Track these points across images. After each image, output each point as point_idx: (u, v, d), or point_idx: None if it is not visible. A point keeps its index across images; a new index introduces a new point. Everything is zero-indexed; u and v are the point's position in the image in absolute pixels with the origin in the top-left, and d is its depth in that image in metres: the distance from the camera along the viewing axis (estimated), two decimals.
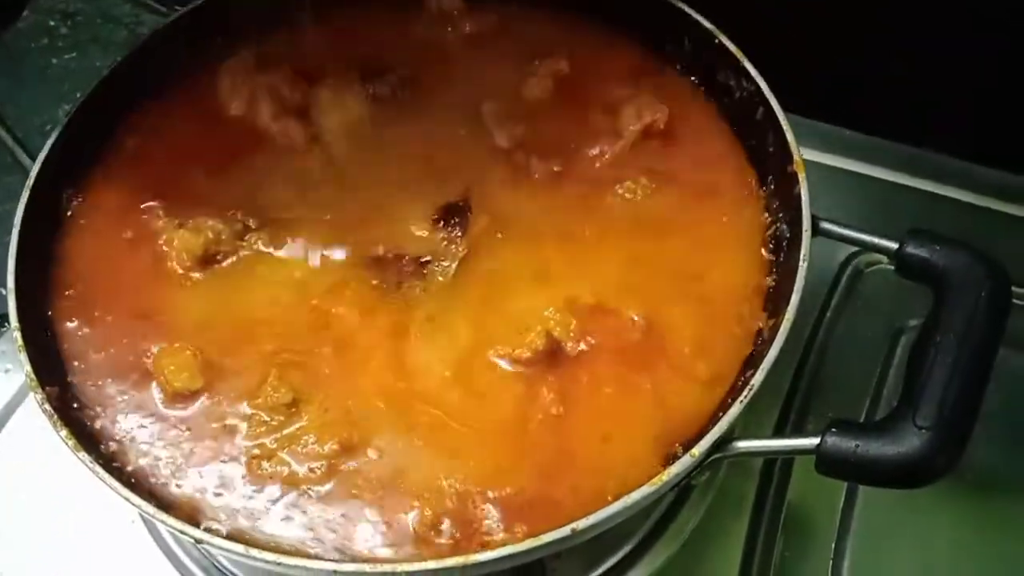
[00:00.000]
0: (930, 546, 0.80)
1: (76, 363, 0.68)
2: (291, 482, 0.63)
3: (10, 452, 0.85)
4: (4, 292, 0.90)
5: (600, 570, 0.80)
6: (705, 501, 0.82)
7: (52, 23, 1.30)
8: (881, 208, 0.96)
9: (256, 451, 0.64)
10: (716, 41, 0.79)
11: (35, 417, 0.83)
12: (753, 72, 0.76)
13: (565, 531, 0.57)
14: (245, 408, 0.66)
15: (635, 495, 0.58)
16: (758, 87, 0.76)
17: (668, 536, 0.81)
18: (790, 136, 0.72)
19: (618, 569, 0.80)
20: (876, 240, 0.69)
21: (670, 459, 0.62)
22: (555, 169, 0.77)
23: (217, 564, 0.79)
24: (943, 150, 0.99)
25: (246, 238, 0.73)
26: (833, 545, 0.80)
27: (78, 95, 0.77)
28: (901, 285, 0.71)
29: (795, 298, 0.65)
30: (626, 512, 0.59)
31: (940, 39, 0.95)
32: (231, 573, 0.79)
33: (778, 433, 0.83)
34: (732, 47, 0.78)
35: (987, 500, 0.83)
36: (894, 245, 0.68)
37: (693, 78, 0.83)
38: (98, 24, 1.30)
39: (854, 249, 0.92)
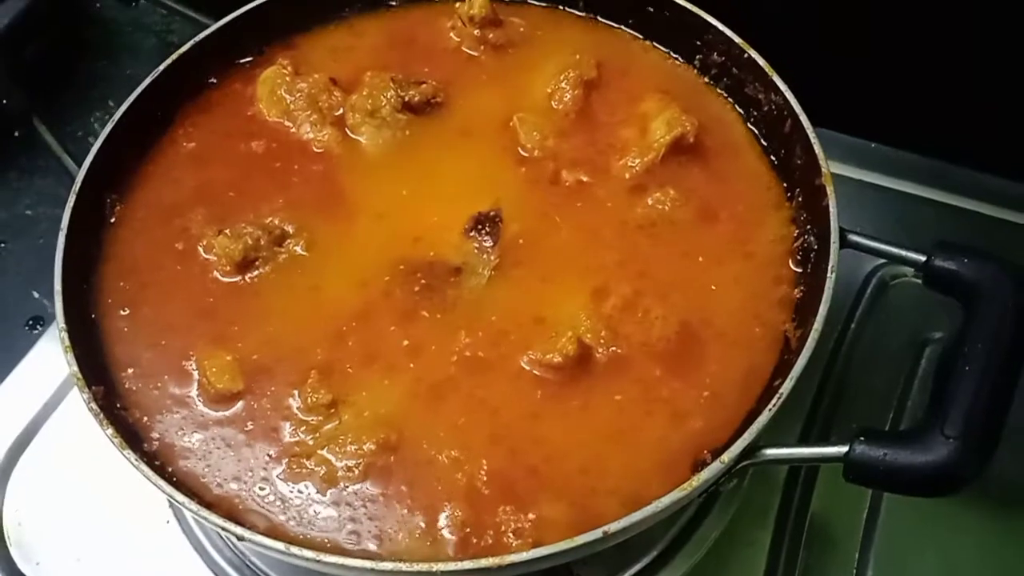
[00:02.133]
0: (953, 559, 0.81)
1: (120, 364, 0.70)
2: (329, 480, 0.64)
3: (48, 453, 0.87)
4: (36, 295, 0.92)
5: None
6: (729, 511, 0.83)
7: (84, 31, 1.32)
8: (907, 222, 0.96)
9: (296, 450, 0.66)
10: (745, 55, 0.80)
11: (71, 419, 0.87)
12: (781, 85, 0.78)
13: (597, 534, 0.58)
14: (285, 409, 0.67)
15: (665, 500, 0.59)
16: (786, 100, 0.77)
17: (692, 545, 0.82)
18: (818, 148, 0.73)
19: None
20: (904, 252, 0.70)
21: (699, 466, 0.63)
22: (584, 179, 0.79)
23: (249, 563, 0.81)
24: (969, 164, 1.00)
25: (284, 243, 0.75)
26: (856, 556, 0.81)
27: (115, 103, 0.80)
28: (926, 298, 0.72)
29: (823, 309, 0.66)
30: (656, 516, 0.60)
31: (968, 53, 0.95)
32: (263, 572, 0.80)
33: (803, 443, 0.83)
34: (761, 60, 0.79)
35: (1011, 514, 0.83)
36: (922, 257, 0.68)
37: (722, 90, 0.84)
38: (129, 32, 1.32)
39: (879, 262, 0.93)
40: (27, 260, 1.08)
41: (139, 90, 0.79)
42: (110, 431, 0.62)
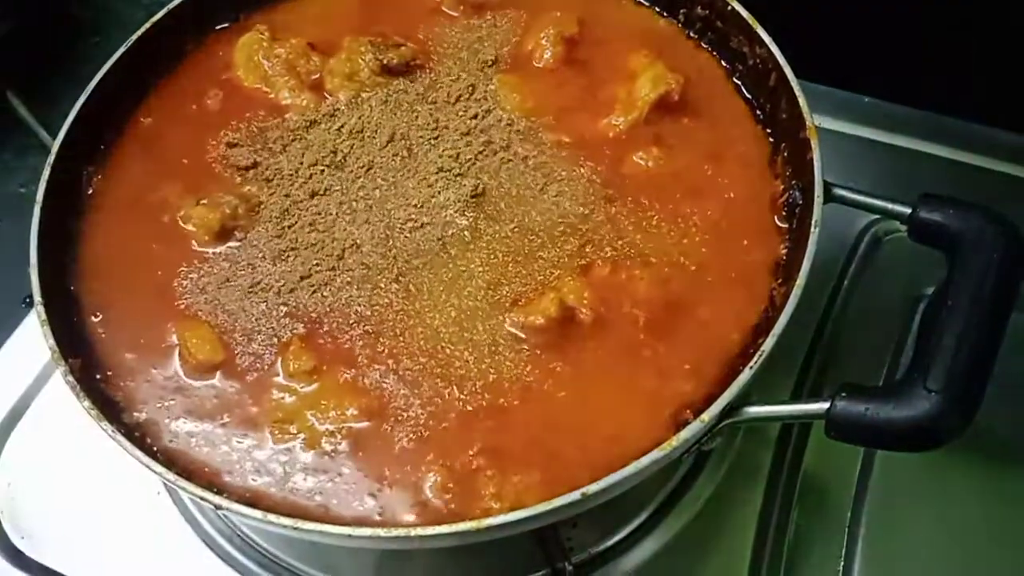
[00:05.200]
0: (946, 514, 0.80)
1: (99, 337, 0.70)
2: (312, 446, 0.64)
3: (39, 427, 0.87)
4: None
5: (616, 539, 0.80)
6: (721, 470, 0.83)
7: (73, 10, 1.31)
8: (897, 175, 0.95)
9: (278, 415, 0.65)
10: (729, 7, 0.79)
11: (62, 393, 0.87)
12: (766, 38, 0.76)
13: (575, 495, 0.58)
14: (267, 376, 0.67)
15: (644, 460, 0.59)
16: (771, 53, 0.75)
17: (684, 505, 0.82)
18: (802, 101, 0.72)
19: (634, 537, 0.81)
20: (889, 205, 0.68)
21: (681, 425, 0.63)
22: (566, 139, 0.77)
23: (239, 532, 0.81)
24: (958, 115, 0.97)
25: (261, 211, 0.74)
26: (849, 513, 0.80)
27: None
28: (919, 253, 0.70)
29: (806, 264, 0.65)
30: (636, 477, 0.60)
31: (952, 3, 0.93)
32: (253, 540, 0.81)
33: (786, 400, 0.82)
34: (745, 13, 0.78)
35: (1004, 468, 0.82)
36: (907, 210, 0.67)
37: (706, 45, 0.82)
38: (119, 8, 1.31)
39: (872, 218, 0.92)
40: (23, 238, 1.08)
41: (111, 61, 0.78)
42: (86, 403, 0.62)
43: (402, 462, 0.64)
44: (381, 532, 0.58)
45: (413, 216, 0.73)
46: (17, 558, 0.81)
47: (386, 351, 0.68)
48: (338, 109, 0.79)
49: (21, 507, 0.83)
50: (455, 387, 0.66)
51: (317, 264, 0.71)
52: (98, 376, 0.67)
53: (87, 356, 0.68)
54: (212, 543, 0.81)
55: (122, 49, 0.79)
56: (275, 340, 0.68)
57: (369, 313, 0.69)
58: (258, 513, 0.59)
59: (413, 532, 0.57)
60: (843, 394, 0.60)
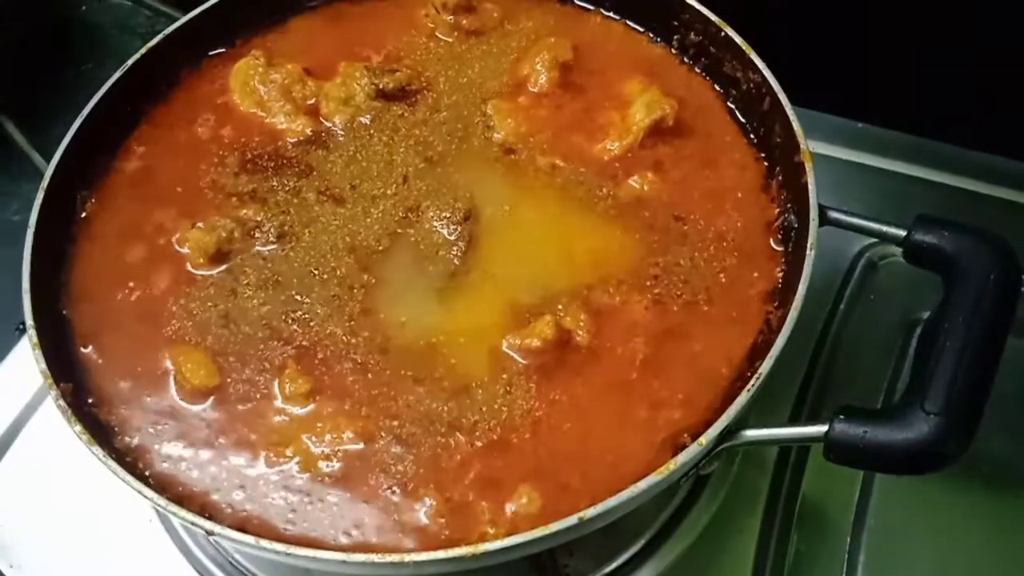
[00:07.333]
0: (946, 538, 0.80)
1: (92, 361, 0.69)
2: (307, 470, 0.64)
3: (29, 454, 0.86)
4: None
5: (613, 566, 0.79)
6: (719, 496, 0.82)
7: (69, 34, 1.31)
8: (891, 200, 0.95)
9: (273, 439, 0.65)
10: (722, 33, 0.79)
11: (53, 420, 0.86)
12: (759, 63, 0.77)
13: (572, 520, 0.57)
14: (263, 400, 0.66)
15: (642, 484, 0.58)
16: (764, 78, 0.76)
17: (682, 531, 0.81)
18: (796, 126, 0.72)
19: (631, 564, 0.80)
20: (884, 228, 0.68)
21: (679, 449, 0.62)
22: (560, 164, 0.78)
23: (232, 560, 0.80)
24: (951, 140, 0.98)
25: (257, 235, 0.74)
26: (848, 539, 0.80)
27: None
28: (915, 277, 0.70)
29: (802, 287, 0.65)
30: (634, 501, 0.59)
31: (946, 28, 0.94)
32: (246, 569, 0.80)
33: (784, 424, 0.82)
34: (738, 39, 0.78)
35: (1003, 493, 0.82)
36: (902, 232, 0.67)
37: (700, 70, 0.83)
38: (114, 35, 1.32)
39: (867, 242, 0.92)
40: (16, 266, 1.08)
41: (106, 87, 0.78)
42: (77, 428, 0.61)
43: (396, 487, 0.63)
44: (375, 558, 0.57)
45: (409, 237, 0.74)
46: None
47: (383, 374, 0.67)
48: (333, 134, 0.80)
49: (11, 536, 0.81)
50: (451, 410, 0.66)
51: (313, 290, 0.71)
52: (90, 400, 0.67)
53: (79, 380, 0.67)
54: (204, 571, 0.80)
55: (117, 74, 0.79)
56: (271, 363, 0.68)
57: (363, 336, 0.69)
58: (250, 539, 0.58)
59: (408, 558, 0.57)
60: (841, 417, 0.59)
